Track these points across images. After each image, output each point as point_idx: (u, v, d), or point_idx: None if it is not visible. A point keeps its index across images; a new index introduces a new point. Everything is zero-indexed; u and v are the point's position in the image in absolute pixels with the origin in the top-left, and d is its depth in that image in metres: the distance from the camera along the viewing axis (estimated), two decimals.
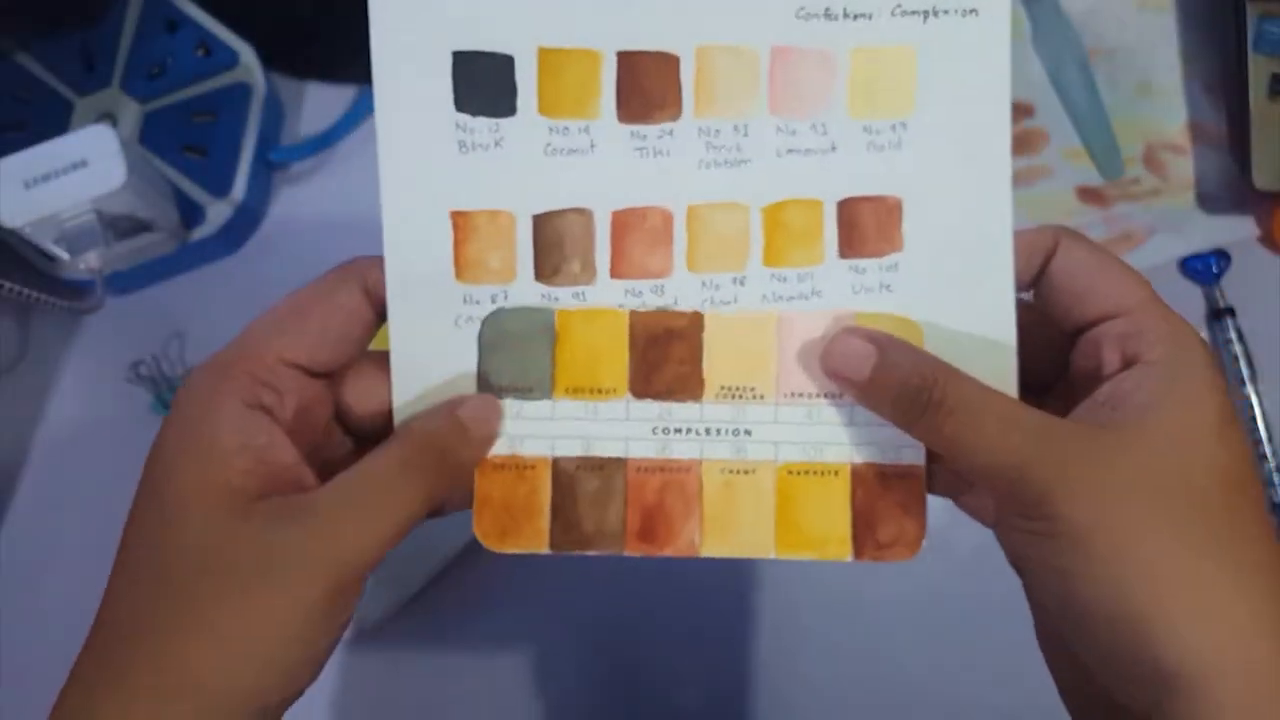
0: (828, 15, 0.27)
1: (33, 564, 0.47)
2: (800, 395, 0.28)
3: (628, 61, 0.27)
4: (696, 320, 0.28)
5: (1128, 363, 0.25)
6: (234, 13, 0.53)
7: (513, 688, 0.46)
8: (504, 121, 0.27)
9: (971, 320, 0.27)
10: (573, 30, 0.27)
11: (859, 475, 0.28)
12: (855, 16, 0.27)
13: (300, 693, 0.25)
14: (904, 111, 0.27)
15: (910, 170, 0.28)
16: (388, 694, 0.46)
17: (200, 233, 0.50)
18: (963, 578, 0.47)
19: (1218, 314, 0.51)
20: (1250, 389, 0.50)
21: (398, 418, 0.28)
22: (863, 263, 0.28)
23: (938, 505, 0.48)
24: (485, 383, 0.28)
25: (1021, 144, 0.55)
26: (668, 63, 0.27)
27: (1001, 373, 0.27)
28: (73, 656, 0.24)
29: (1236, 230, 0.53)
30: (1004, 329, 0.27)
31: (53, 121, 0.51)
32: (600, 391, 0.28)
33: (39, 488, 0.49)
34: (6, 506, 0.48)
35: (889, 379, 0.26)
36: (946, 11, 0.27)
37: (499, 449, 0.28)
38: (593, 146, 0.28)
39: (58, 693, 0.24)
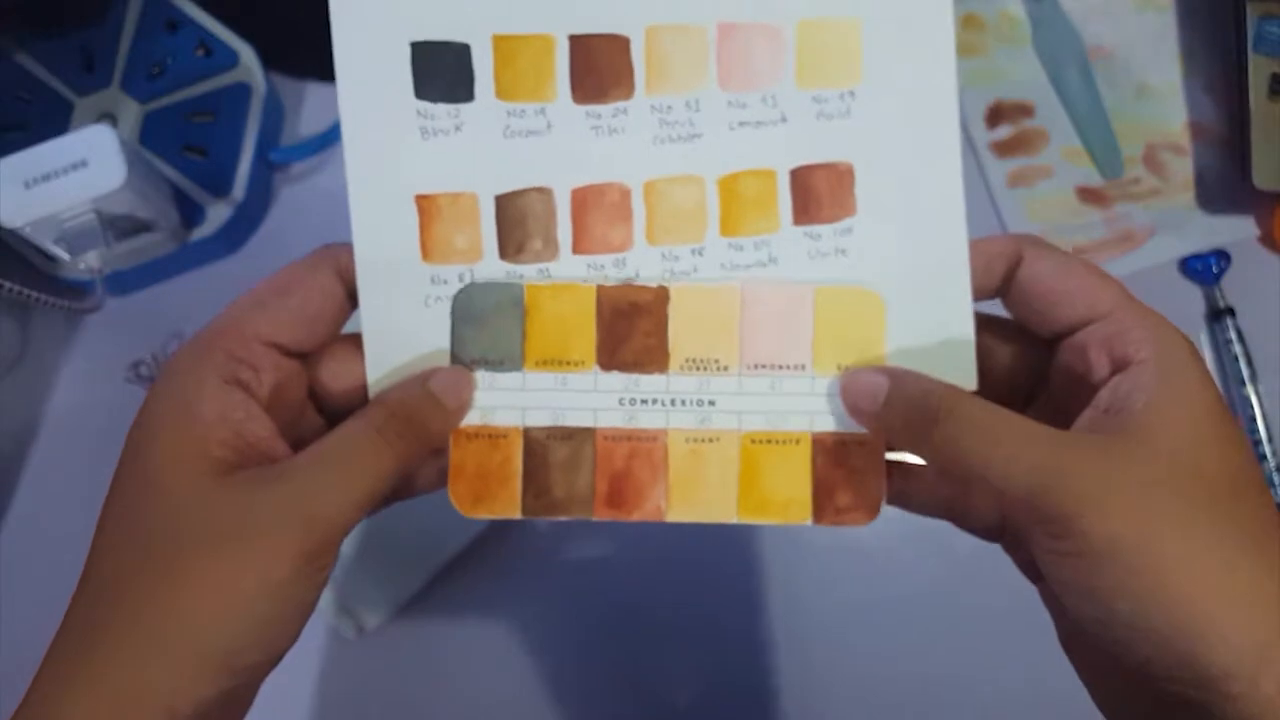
0: None
1: (32, 563, 0.47)
2: (763, 367, 0.29)
3: (580, 44, 0.28)
4: (662, 294, 0.29)
5: (1116, 365, 0.26)
6: (234, 13, 0.53)
7: (513, 688, 0.46)
8: (463, 107, 0.28)
9: (927, 280, 0.28)
10: (525, 16, 0.28)
11: (820, 443, 0.29)
12: None
13: (276, 657, 0.25)
14: (852, 80, 0.28)
15: (861, 136, 0.28)
16: (388, 694, 0.46)
17: (200, 233, 0.50)
18: (963, 578, 0.47)
19: (1218, 314, 0.51)
20: (1250, 389, 0.50)
21: (373, 393, 0.28)
22: (817, 228, 0.29)
23: None
24: (457, 355, 0.29)
25: (1021, 144, 0.55)
26: (618, 44, 0.28)
27: (959, 332, 0.28)
28: None
29: (1236, 230, 0.53)
30: (959, 288, 0.28)
31: (53, 121, 0.51)
32: (569, 363, 0.29)
33: (38, 487, 0.49)
34: (6, 506, 0.48)
35: (900, 403, 0.26)
36: None
37: (471, 419, 0.29)
38: (550, 127, 0.28)
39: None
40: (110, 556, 0.25)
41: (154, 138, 0.51)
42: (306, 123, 0.55)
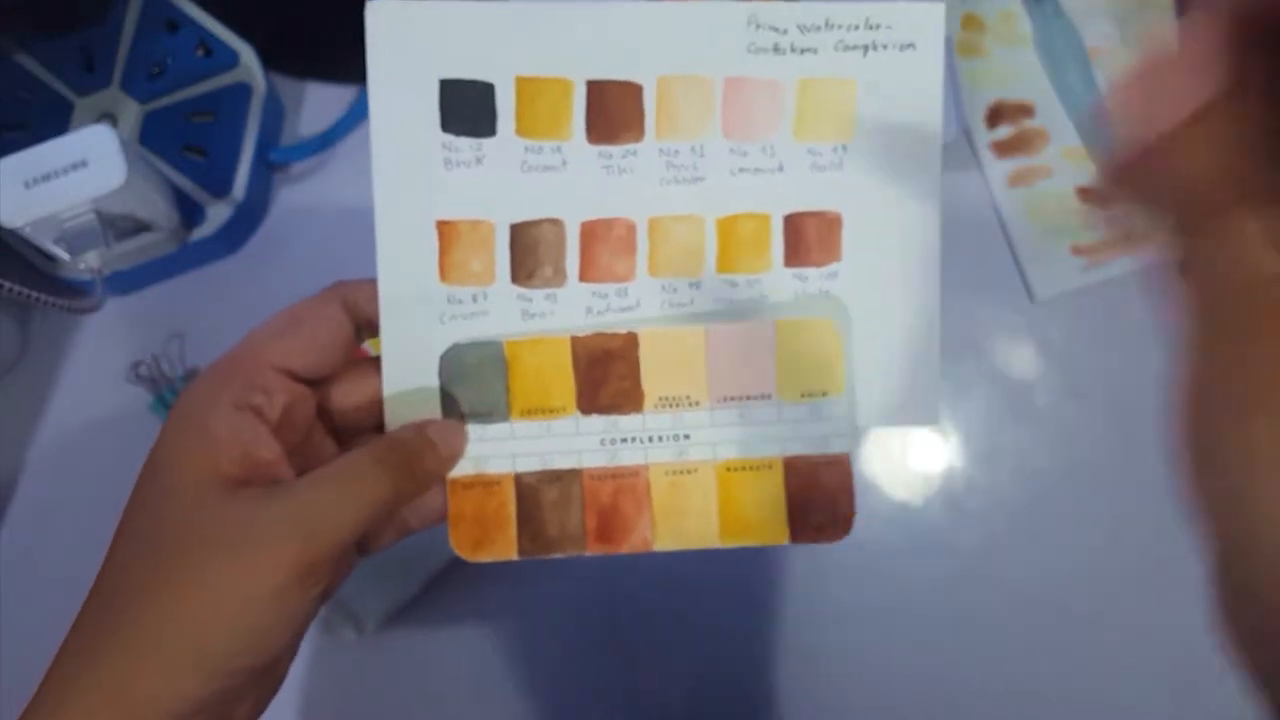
0: (776, 50, 0.30)
1: (32, 563, 0.47)
2: (732, 399, 0.31)
3: (596, 89, 0.30)
4: (631, 340, 0.31)
5: None
6: (234, 13, 0.53)
7: (512, 687, 0.46)
8: (485, 141, 0.30)
9: (901, 321, 0.31)
10: (547, 61, 0.30)
11: (791, 466, 0.31)
12: (801, 51, 0.30)
13: (270, 664, 0.26)
14: (845, 135, 0.30)
15: (850, 188, 0.30)
16: (388, 694, 0.46)
17: (200, 233, 0.50)
18: (963, 578, 0.47)
19: None
20: None
21: (388, 401, 0.30)
22: (805, 270, 0.31)
23: (938, 506, 0.48)
24: (449, 410, 0.31)
25: (1021, 144, 0.55)
26: (632, 91, 0.30)
27: (927, 373, 0.30)
28: None
29: None
30: (930, 328, 0.30)
31: (53, 121, 0.51)
32: (552, 411, 0.31)
33: (39, 487, 0.49)
34: (6, 506, 0.48)
35: None
36: (885, 46, 0.30)
37: (466, 469, 0.31)
38: (564, 164, 0.31)
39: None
40: (120, 562, 0.26)
41: (154, 138, 0.51)
42: (306, 123, 0.55)
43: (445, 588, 0.46)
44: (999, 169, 0.54)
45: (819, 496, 0.30)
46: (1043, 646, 0.47)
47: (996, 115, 0.55)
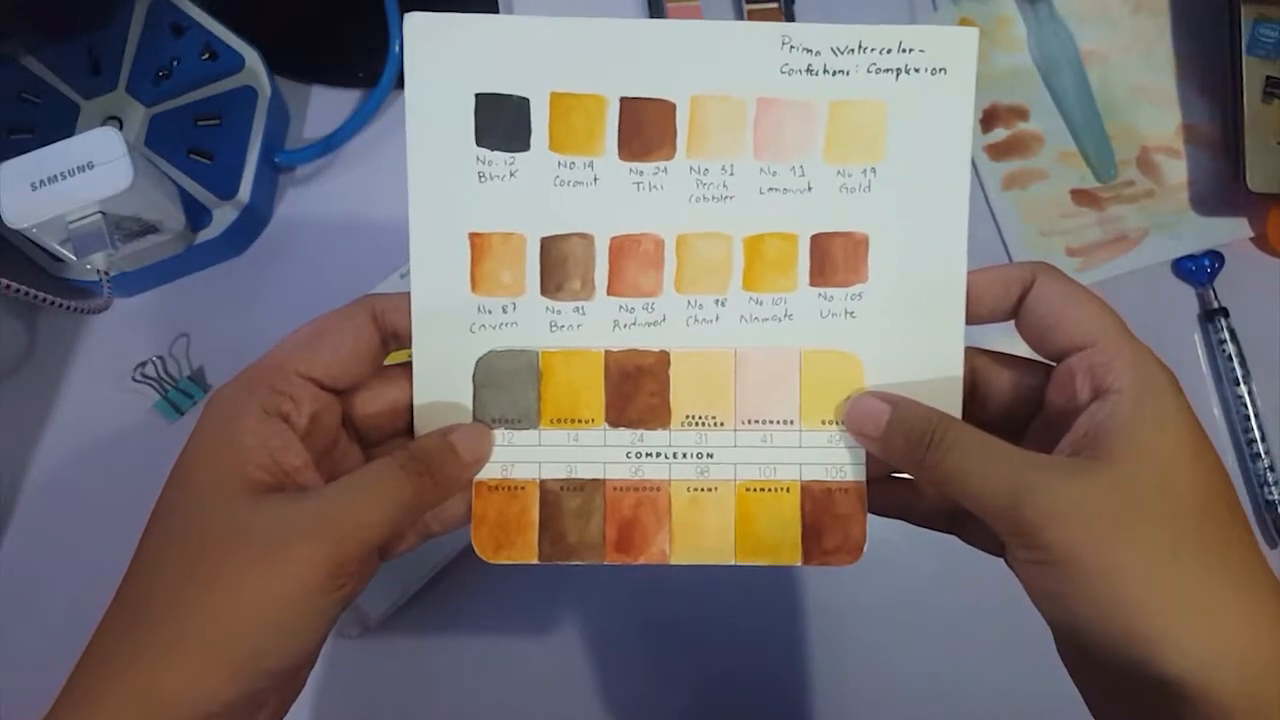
0: (809, 71, 0.30)
1: (38, 563, 0.47)
2: (756, 422, 0.31)
3: (629, 107, 0.30)
4: (663, 358, 0.31)
5: (1096, 391, 0.27)
6: (240, 17, 0.53)
7: (513, 685, 0.47)
8: (519, 155, 0.31)
9: (924, 345, 0.31)
10: (582, 78, 0.30)
11: (808, 491, 0.31)
12: (834, 73, 0.30)
13: (295, 667, 0.27)
14: (875, 158, 0.31)
15: (878, 210, 0.31)
16: (388, 692, 0.46)
17: (206, 235, 0.50)
18: (963, 577, 0.47)
19: (1210, 314, 0.52)
20: (1244, 388, 0.50)
21: (418, 409, 0.31)
22: (831, 291, 0.31)
23: None
24: (479, 415, 0.31)
25: (1016, 146, 0.55)
26: (665, 109, 0.31)
27: (948, 391, 0.30)
28: (77, 651, 0.26)
29: (1230, 231, 0.54)
30: (953, 352, 0.31)
31: (59, 124, 0.51)
32: (580, 421, 0.31)
33: (45, 488, 0.49)
34: (13, 506, 0.49)
35: (899, 428, 0.29)
36: (918, 70, 0.30)
37: (493, 473, 0.31)
38: (596, 180, 0.31)
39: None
40: (147, 564, 0.26)
41: (160, 140, 0.51)
42: (311, 126, 0.56)
43: (446, 586, 0.46)
44: (994, 172, 0.55)
45: (833, 521, 0.31)
46: (1042, 645, 0.47)
47: (991, 118, 0.56)
